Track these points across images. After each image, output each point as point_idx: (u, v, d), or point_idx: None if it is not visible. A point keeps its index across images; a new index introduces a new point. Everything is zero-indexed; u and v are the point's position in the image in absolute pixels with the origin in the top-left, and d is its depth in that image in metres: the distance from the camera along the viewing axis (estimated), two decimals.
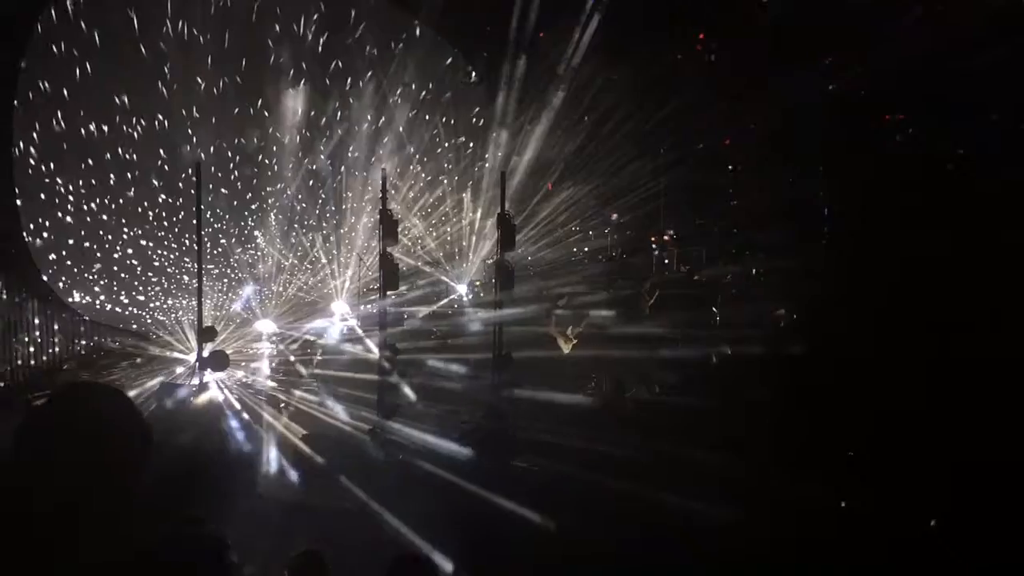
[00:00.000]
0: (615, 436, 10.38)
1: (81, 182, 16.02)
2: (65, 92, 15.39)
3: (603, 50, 16.47)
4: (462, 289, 18.36)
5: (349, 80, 18.08)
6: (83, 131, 15.67)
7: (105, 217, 16.37)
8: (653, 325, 15.05)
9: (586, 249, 18.51)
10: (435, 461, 10.50)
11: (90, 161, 16.02)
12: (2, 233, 13.79)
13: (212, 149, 16.97)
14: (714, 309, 15.27)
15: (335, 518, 8.84)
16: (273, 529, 8.39)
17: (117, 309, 16.79)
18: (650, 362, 13.96)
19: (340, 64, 17.91)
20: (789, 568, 7.04)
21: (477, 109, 19.27)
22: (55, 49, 15.09)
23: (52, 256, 15.73)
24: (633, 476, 8.63)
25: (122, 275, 16.71)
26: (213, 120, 16.77)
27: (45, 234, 15.46)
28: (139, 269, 16.99)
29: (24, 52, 14.29)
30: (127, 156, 16.29)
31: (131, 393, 13.03)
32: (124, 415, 1.99)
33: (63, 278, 15.93)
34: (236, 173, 17.78)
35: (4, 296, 13.68)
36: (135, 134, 16.30)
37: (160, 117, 16.44)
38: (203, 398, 12.75)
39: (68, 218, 15.92)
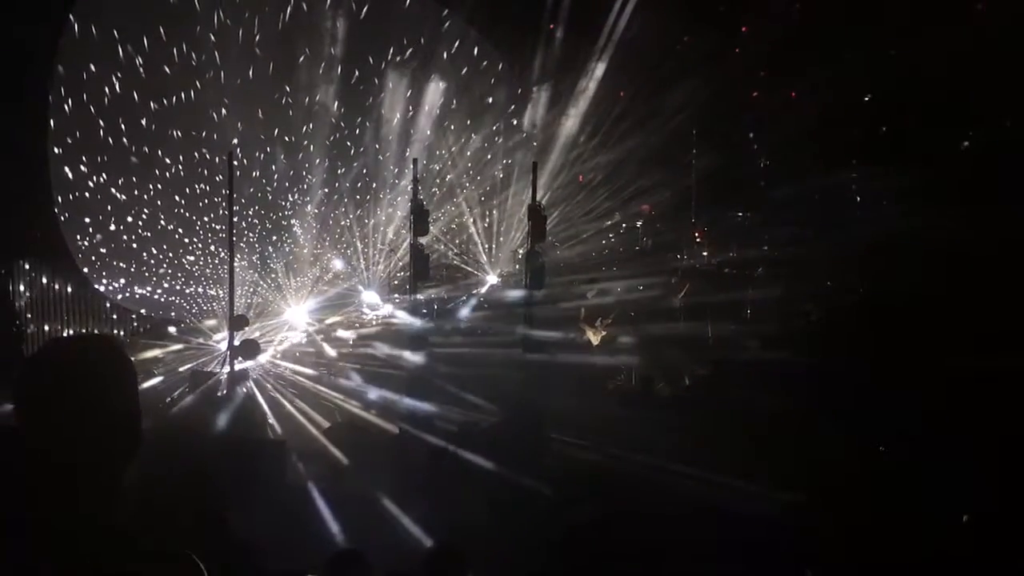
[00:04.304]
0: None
1: (112, 168, 16.07)
2: (107, 93, 15.46)
3: (633, 41, 16.35)
4: (492, 280, 18.30)
5: (382, 64, 18.02)
6: (116, 115, 15.71)
7: (136, 204, 16.44)
8: (682, 318, 14.97)
9: (613, 238, 18.38)
10: None
11: (127, 149, 16.08)
12: (33, 218, 13.95)
13: (244, 138, 16.99)
14: (744, 303, 15.12)
15: (365, 509, 8.85)
16: (302, 519, 8.46)
17: (152, 296, 16.89)
18: (679, 356, 13.87)
19: (371, 59, 17.87)
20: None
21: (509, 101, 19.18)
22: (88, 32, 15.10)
23: (84, 242, 15.81)
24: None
25: (153, 262, 16.78)
26: (237, 121, 16.77)
27: (67, 214, 15.48)
28: (171, 256, 17.08)
29: (60, 35, 14.39)
30: (158, 142, 16.31)
31: (160, 379, 13.38)
32: (118, 361, 2.00)
33: (96, 265, 16.05)
34: (273, 166, 17.83)
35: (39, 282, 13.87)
36: (171, 128, 16.35)
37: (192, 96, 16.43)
38: (233, 386, 12.82)
39: (104, 213, 15.98)
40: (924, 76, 12.46)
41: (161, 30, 15.71)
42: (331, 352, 15.80)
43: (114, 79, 15.42)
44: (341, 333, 16.79)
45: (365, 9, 17.30)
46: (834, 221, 14.42)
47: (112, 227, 15.96)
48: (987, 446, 8.18)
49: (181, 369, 14.33)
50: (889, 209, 13.42)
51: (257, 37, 16.74)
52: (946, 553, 6.79)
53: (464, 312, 17.22)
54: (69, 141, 15.13)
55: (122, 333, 15.39)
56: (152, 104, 15.81)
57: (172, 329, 15.67)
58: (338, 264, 18.22)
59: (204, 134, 16.53)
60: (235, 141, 16.29)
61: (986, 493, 7.51)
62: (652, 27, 15.90)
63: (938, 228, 11.33)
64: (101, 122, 15.45)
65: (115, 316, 15.58)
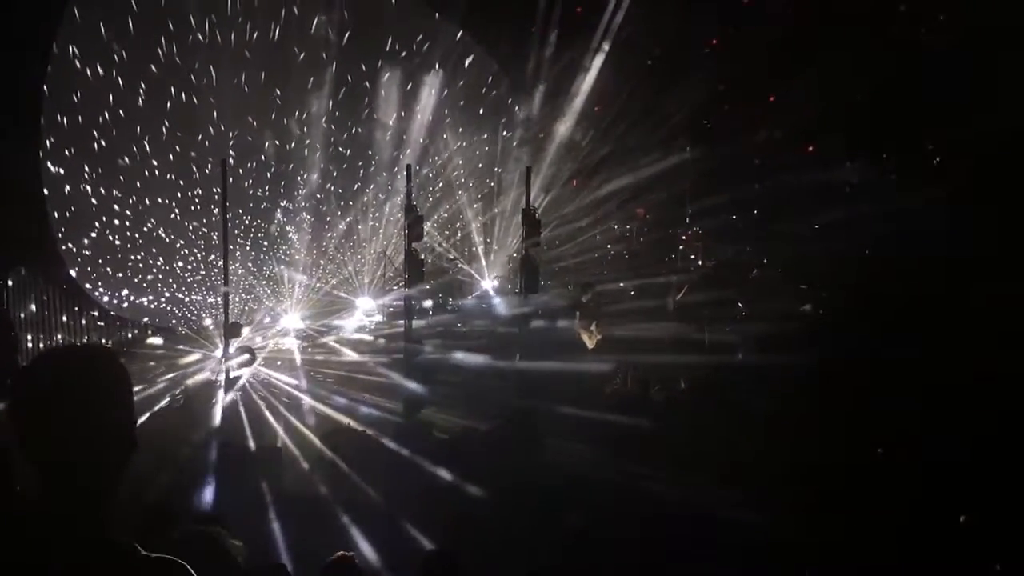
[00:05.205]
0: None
1: (107, 176, 16.03)
2: (90, 74, 15.37)
3: (627, 41, 16.37)
4: (487, 284, 18.32)
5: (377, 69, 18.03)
6: (110, 123, 15.69)
7: (130, 212, 16.42)
8: (679, 321, 14.95)
9: (609, 245, 18.38)
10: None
11: (122, 159, 16.06)
12: (29, 227, 13.88)
13: (239, 146, 16.99)
14: (740, 304, 15.09)
15: (359, 515, 8.82)
16: (298, 525, 8.42)
17: (145, 304, 16.85)
18: (675, 359, 13.84)
19: (363, 66, 17.88)
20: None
21: (499, 100, 19.19)
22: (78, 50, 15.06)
23: (77, 250, 15.77)
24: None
25: (148, 272, 16.76)
26: (231, 130, 16.76)
27: (63, 223, 15.43)
28: (165, 265, 17.05)
29: (50, 50, 14.35)
30: (151, 150, 16.30)
31: (156, 387, 13.32)
32: (113, 370, 1.99)
33: (91, 274, 16.00)
34: (269, 173, 17.84)
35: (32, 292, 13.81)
36: (163, 129, 16.33)
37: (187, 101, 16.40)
38: (228, 393, 12.77)
39: (97, 218, 15.95)
40: (922, 74, 12.49)
41: (156, 36, 15.72)
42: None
43: (108, 85, 15.41)
44: (333, 338, 16.78)
45: (358, 16, 17.33)
46: (831, 221, 14.42)
47: (114, 240, 15.97)
48: (986, 446, 8.17)
49: (177, 376, 14.27)
50: (887, 208, 13.40)
51: (254, 36, 16.75)
52: (946, 553, 6.79)
53: (459, 315, 17.21)
54: (54, 141, 15.08)
55: (120, 341, 15.35)
56: (142, 102, 15.80)
57: (157, 340, 15.61)
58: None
59: (200, 137, 16.54)
60: (231, 146, 16.31)
61: (985, 493, 7.51)
62: (645, 27, 15.92)
63: (936, 227, 11.31)
64: (95, 130, 15.44)
65: (110, 325, 15.53)
